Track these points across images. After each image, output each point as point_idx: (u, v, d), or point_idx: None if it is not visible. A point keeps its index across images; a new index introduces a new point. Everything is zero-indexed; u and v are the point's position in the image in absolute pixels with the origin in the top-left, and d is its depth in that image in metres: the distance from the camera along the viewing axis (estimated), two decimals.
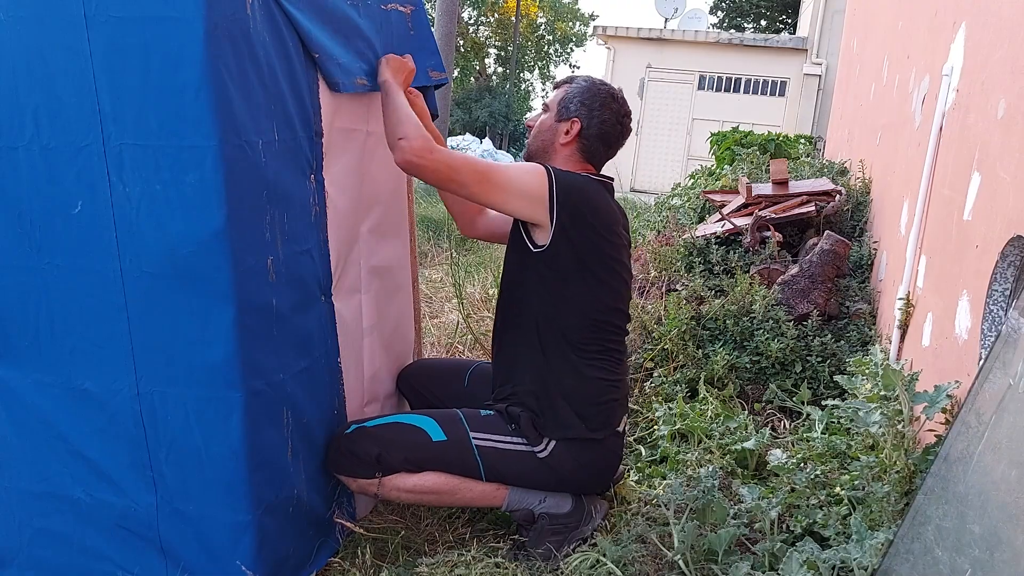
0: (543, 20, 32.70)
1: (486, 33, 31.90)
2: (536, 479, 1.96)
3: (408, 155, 1.86)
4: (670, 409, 2.60)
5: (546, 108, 2.12)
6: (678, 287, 3.56)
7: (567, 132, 2.04)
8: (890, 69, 4.32)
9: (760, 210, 4.03)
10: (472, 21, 31.15)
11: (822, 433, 2.33)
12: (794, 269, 3.31)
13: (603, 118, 2.04)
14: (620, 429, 2.03)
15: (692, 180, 6.63)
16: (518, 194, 1.89)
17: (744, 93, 14.36)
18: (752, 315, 3.07)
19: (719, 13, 26.75)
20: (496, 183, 1.89)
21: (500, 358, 2.08)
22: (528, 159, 2.09)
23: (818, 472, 2.01)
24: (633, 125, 2.20)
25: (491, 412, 2.00)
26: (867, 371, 2.02)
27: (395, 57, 2.08)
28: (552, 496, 1.99)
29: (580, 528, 1.99)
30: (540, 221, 1.90)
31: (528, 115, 2.11)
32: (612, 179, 2.13)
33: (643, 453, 2.50)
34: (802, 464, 2.12)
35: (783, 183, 4.39)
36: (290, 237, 1.73)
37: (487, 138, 23.92)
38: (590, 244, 1.92)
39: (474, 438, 1.94)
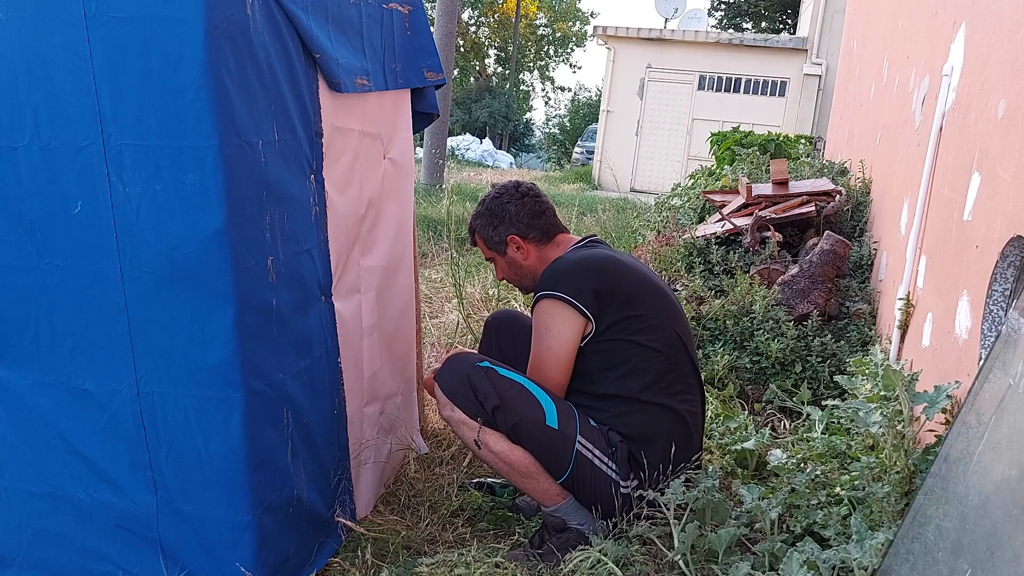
0: (543, 20, 32.70)
1: (486, 33, 31.90)
2: (603, 507, 1.96)
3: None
4: None
5: (489, 259, 2.21)
6: (678, 287, 3.56)
7: (518, 250, 2.11)
8: (890, 69, 4.32)
9: (760, 210, 4.03)
10: (472, 21, 31.15)
11: (822, 433, 2.33)
12: (794, 269, 3.31)
13: (514, 212, 2.10)
14: None
15: (692, 180, 6.63)
16: (568, 340, 1.96)
17: (744, 93, 14.35)
18: (752, 315, 3.07)
19: (719, 13, 26.74)
20: (558, 357, 1.97)
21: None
22: (532, 290, 2.12)
23: (818, 472, 2.01)
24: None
25: (596, 425, 1.98)
26: (867, 371, 2.02)
27: None
28: (593, 522, 1.98)
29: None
30: (588, 329, 1.96)
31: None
32: (595, 236, 2.19)
33: None
34: (802, 464, 2.12)
35: (783, 183, 4.39)
36: (290, 237, 1.73)
37: (487, 138, 23.90)
38: (623, 319, 1.95)
39: (579, 442, 1.93)
